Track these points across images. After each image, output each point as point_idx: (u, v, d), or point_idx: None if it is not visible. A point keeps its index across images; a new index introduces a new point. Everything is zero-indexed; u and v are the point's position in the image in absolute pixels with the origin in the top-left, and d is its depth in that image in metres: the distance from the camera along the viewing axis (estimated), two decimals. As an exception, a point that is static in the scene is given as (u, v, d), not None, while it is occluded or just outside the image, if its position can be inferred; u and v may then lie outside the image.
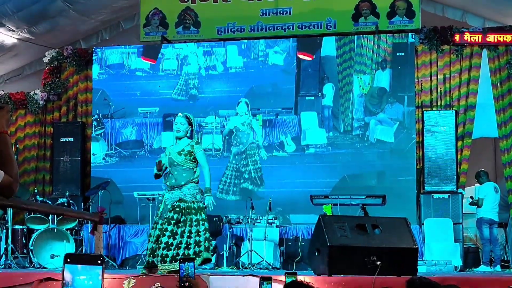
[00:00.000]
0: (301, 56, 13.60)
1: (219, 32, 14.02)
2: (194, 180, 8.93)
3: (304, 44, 13.69)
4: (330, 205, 11.49)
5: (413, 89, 13.14)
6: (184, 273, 4.28)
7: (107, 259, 11.33)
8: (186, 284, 4.13)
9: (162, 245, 8.73)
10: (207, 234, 8.86)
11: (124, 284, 8.11)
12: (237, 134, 13.60)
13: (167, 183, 9.00)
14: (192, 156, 8.98)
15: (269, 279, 4.98)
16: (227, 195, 13.40)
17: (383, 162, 13.07)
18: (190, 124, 9.04)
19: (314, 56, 13.59)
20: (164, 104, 13.91)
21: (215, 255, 11.15)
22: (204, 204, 8.92)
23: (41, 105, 14.64)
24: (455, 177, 12.47)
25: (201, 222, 8.86)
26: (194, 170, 8.95)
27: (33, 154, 14.67)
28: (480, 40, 12.94)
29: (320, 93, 13.52)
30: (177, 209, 8.80)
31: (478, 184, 12.33)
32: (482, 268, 11.59)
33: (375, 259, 8.12)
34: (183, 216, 8.80)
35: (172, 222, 8.75)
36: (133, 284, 8.08)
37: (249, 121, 13.54)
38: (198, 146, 9.06)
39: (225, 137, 13.66)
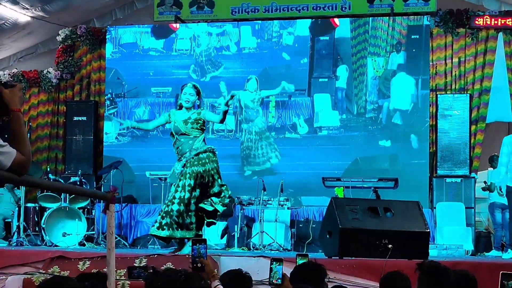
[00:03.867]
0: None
1: (233, 12, 13.96)
2: (202, 150, 9.07)
3: (318, 26, 13.61)
4: (342, 187, 11.48)
5: (427, 72, 13.06)
6: (197, 253, 4.28)
7: (118, 238, 11.39)
8: (199, 264, 4.12)
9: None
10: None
11: (135, 263, 8.14)
12: (246, 110, 13.55)
13: (177, 152, 9.17)
14: (199, 124, 9.08)
15: (280, 261, 4.97)
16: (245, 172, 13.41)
17: (396, 145, 13.02)
18: (198, 94, 9.19)
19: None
20: (177, 84, 13.87)
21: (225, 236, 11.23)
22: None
23: (54, 84, 14.66)
24: (468, 161, 12.41)
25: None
26: (201, 138, 9.13)
27: (46, 133, 14.71)
28: (500, 24, 12.84)
29: (333, 75, 13.46)
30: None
31: (491, 169, 12.25)
32: (494, 252, 11.55)
33: (387, 242, 8.13)
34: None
35: (188, 189, 8.90)
36: (145, 263, 8.11)
37: (258, 98, 13.49)
38: (205, 111, 9.33)
39: (236, 115, 13.62)
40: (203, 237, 8.54)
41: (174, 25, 14.00)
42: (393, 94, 13.13)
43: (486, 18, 12.89)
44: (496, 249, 11.64)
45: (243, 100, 13.53)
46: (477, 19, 12.93)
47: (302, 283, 4.62)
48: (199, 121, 9.06)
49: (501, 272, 5.46)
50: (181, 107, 9.21)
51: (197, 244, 4.34)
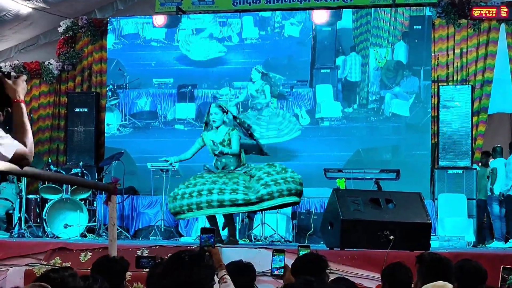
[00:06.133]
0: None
1: (235, 3, 13.93)
2: (242, 163, 9.36)
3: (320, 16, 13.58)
4: (343, 179, 11.46)
5: (429, 63, 13.04)
6: (204, 243, 4.27)
7: (120, 229, 11.39)
8: (207, 253, 4.11)
9: None
10: None
11: (137, 254, 8.14)
12: (252, 100, 13.53)
13: (216, 166, 9.36)
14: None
15: (282, 252, 4.96)
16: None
17: (398, 136, 13.01)
18: (223, 111, 9.37)
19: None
20: (179, 75, 13.88)
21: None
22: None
23: (55, 75, 14.64)
24: (470, 152, 12.40)
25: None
26: (239, 154, 9.36)
27: (48, 124, 14.70)
28: (496, 15, 12.80)
29: (335, 66, 13.43)
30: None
31: (492, 159, 12.25)
32: (495, 244, 11.55)
33: (388, 234, 8.12)
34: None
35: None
36: (146, 254, 8.11)
37: (262, 88, 13.48)
38: (234, 132, 9.36)
39: (239, 104, 13.62)
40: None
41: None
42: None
43: (483, 9, 12.84)
44: (497, 240, 11.65)
45: (250, 90, 13.53)
46: (474, 9, 12.89)
47: (303, 274, 4.61)
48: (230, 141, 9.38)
49: (502, 266, 5.45)
50: (206, 124, 9.46)
51: (205, 233, 4.34)
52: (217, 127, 9.31)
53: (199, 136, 9.48)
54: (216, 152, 9.26)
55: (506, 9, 12.75)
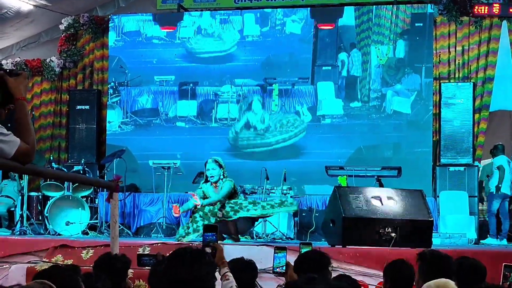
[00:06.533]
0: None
1: (236, 0, 13.92)
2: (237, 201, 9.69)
3: (321, 14, 13.56)
4: (345, 176, 11.46)
5: (431, 61, 13.03)
6: (208, 240, 4.29)
7: (121, 227, 11.40)
8: (209, 250, 4.12)
9: None
10: None
11: (139, 252, 8.14)
12: (255, 130, 13.53)
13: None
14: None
15: (283, 249, 4.96)
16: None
17: (399, 133, 13.00)
18: (220, 167, 9.65)
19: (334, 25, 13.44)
20: (180, 72, 13.87)
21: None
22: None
23: (57, 72, 14.64)
24: (471, 150, 12.39)
25: None
26: (237, 198, 9.74)
27: (49, 121, 14.70)
28: (498, 12, 12.78)
29: (337, 63, 13.42)
30: None
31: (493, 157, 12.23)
32: (489, 240, 11.54)
33: (390, 231, 8.13)
34: None
35: None
36: (148, 252, 8.12)
37: (262, 117, 13.50)
38: (227, 182, 9.65)
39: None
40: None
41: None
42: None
43: (482, 7, 12.82)
44: (491, 236, 11.63)
45: (251, 121, 13.52)
46: (476, 7, 12.86)
47: (305, 271, 4.61)
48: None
49: (503, 263, 5.45)
50: (206, 179, 9.73)
51: (208, 231, 4.36)
52: (215, 183, 9.62)
53: (198, 188, 9.79)
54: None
55: (498, 6, 12.74)
